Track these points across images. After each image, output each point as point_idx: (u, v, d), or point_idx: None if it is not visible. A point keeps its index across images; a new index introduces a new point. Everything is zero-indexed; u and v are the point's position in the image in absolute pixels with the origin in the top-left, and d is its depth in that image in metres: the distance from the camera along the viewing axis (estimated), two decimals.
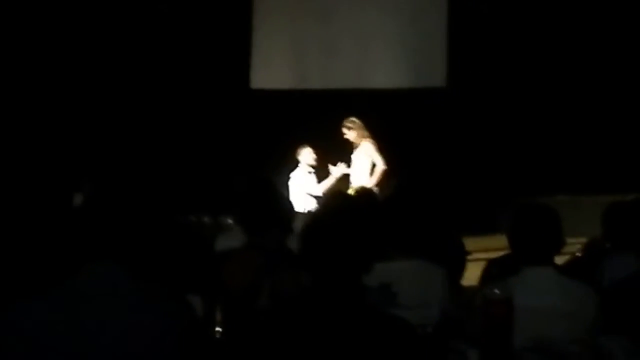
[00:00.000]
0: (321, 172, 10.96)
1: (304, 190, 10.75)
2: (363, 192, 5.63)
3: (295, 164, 10.92)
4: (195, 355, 2.66)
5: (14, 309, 2.66)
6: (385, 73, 13.33)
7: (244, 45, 13.61)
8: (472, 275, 5.22)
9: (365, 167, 10.73)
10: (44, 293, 2.68)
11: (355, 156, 10.83)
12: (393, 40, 13.38)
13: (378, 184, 10.42)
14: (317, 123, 11.62)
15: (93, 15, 13.00)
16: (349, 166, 10.83)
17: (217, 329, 3.71)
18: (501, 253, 4.74)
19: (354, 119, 10.80)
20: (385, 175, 10.58)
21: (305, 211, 10.23)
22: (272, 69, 13.74)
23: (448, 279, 4.10)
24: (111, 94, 13.01)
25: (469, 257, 5.37)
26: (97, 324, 2.60)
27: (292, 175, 10.83)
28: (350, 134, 10.76)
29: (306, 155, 10.84)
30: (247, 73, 13.68)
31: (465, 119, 12.77)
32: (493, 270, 4.49)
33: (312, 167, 10.88)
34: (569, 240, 3.90)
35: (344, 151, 11.27)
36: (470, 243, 5.61)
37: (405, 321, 2.74)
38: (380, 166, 10.65)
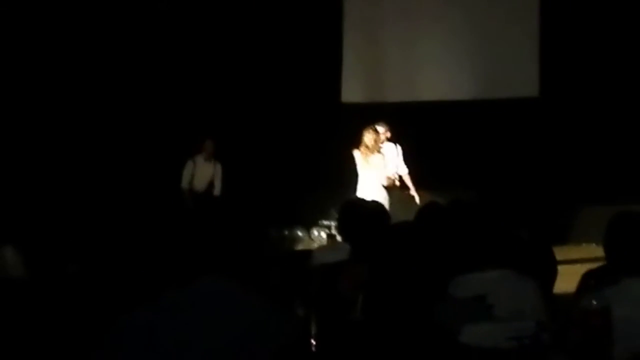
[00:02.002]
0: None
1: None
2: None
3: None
4: None
5: (127, 316, 2.75)
6: (476, 84, 13.22)
7: (335, 61, 13.71)
8: None
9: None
10: (155, 301, 2.76)
11: (381, 158, 10.78)
12: (484, 50, 13.27)
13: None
14: (410, 135, 11.61)
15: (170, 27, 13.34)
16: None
17: (312, 341, 3.74)
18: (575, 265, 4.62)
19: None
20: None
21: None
22: (362, 83, 13.79)
23: (541, 289, 4.05)
24: (210, 105, 13.31)
25: None
26: (207, 332, 2.66)
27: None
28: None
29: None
30: (338, 87, 13.77)
31: (558, 128, 12.60)
32: (590, 282, 4.41)
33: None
34: None
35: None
36: None
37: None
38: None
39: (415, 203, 10.68)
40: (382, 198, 10.25)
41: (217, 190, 12.48)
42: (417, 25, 13.61)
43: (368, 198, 10.11)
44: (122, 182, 12.96)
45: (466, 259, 4.03)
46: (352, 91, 13.86)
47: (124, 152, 13.29)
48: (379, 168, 10.58)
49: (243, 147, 13.29)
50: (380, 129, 10.85)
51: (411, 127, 12.19)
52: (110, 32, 13.19)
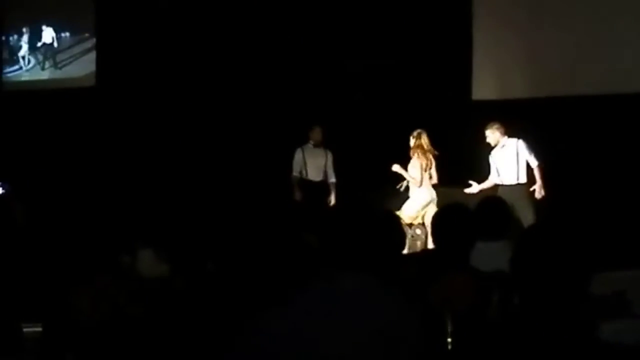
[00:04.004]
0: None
1: None
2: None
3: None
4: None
5: (270, 315, 2.74)
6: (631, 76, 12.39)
7: (465, 58, 13.61)
8: None
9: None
10: (298, 299, 2.76)
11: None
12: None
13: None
14: (542, 133, 11.42)
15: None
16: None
17: (448, 339, 3.75)
18: None
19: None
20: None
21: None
22: (492, 81, 13.61)
23: None
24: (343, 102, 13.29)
25: None
26: (349, 330, 2.66)
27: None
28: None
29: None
30: (469, 85, 13.65)
31: None
32: None
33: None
34: None
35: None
36: None
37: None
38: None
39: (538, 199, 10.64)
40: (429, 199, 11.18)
41: (332, 178, 12.23)
42: (541, 20, 13.24)
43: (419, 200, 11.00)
44: (233, 175, 13.16)
45: (605, 256, 3.97)
46: (482, 88, 13.68)
47: (235, 148, 13.54)
48: (421, 170, 11.41)
49: (365, 142, 13.24)
50: (489, 130, 11.05)
51: (542, 122, 11.98)
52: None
